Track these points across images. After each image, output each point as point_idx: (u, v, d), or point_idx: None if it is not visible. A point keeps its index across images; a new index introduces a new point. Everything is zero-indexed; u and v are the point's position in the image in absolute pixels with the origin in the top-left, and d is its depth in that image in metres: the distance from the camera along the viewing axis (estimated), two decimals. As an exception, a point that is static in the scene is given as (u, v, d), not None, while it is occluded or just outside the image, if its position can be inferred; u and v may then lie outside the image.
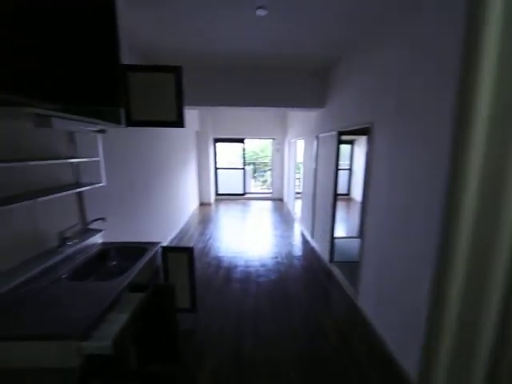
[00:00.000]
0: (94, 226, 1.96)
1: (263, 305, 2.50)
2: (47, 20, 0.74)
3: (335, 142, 3.03)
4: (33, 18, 0.70)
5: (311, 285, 2.90)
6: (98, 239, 1.91)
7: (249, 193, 7.99)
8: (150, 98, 1.80)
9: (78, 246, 1.69)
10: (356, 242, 3.95)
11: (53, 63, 0.79)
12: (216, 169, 7.53)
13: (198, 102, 3.34)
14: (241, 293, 2.69)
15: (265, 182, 10.23)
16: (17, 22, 0.66)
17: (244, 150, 7.65)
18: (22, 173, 1.39)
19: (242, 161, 7.76)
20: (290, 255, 3.69)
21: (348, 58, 2.78)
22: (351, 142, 7.58)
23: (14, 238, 1.34)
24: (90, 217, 1.93)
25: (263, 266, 3.33)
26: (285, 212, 6.29)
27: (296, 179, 6.34)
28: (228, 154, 9.64)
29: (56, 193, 1.46)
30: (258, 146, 13.32)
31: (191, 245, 3.90)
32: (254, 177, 9.65)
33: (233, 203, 7.17)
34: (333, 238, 3.23)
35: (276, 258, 3.59)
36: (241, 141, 7.46)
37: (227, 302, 2.51)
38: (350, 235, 4.49)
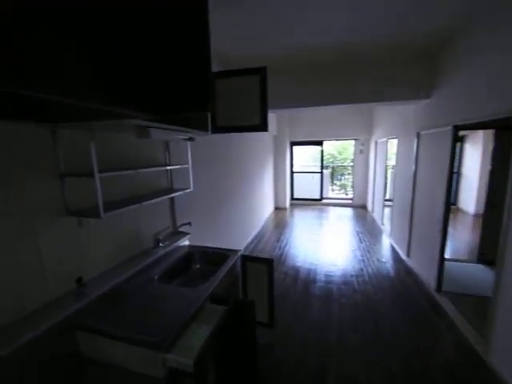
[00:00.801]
0: (181, 229, 2.08)
1: (348, 334, 2.14)
2: (144, 24, 0.69)
3: (449, 139, 2.38)
4: (131, 25, 0.66)
5: (411, 317, 2.34)
6: (185, 242, 2.02)
7: (326, 198, 7.49)
8: (234, 102, 1.77)
9: (169, 248, 1.80)
10: (477, 269, 3.06)
11: (149, 72, 0.75)
12: (292, 172, 7.38)
13: (282, 104, 3.25)
14: (321, 315, 2.40)
15: (343, 186, 9.43)
16: (117, 31, 0.63)
17: (322, 152, 7.22)
18: (130, 180, 1.54)
19: (319, 164, 7.35)
20: (378, 274, 3.14)
21: (471, 34, 2.13)
22: (461, 139, 6.10)
23: (122, 238, 1.50)
24: (178, 221, 2.06)
25: (346, 284, 2.93)
26: (369, 221, 5.55)
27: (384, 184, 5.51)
28: (304, 157, 9.35)
29: (157, 197, 1.58)
30: (336, 148, 12.47)
31: (268, 251, 3.83)
32: (332, 181, 9.01)
33: (309, 208, 6.85)
34: (442, 261, 2.55)
35: (361, 275, 3.11)
36: (318, 143, 7.07)
37: (306, 325, 2.27)
38: (461, 257, 3.52)
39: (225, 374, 1.22)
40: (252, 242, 4.26)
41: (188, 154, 1.89)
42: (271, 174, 6.43)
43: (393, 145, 4.68)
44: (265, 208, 5.67)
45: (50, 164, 1.11)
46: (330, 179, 8.36)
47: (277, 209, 6.84)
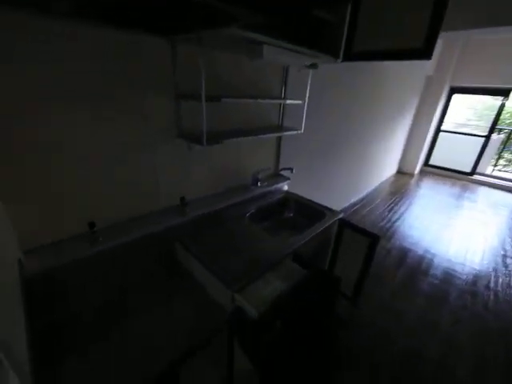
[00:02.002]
0: (282, 173, 1.96)
1: (457, 362, 1.61)
2: None
3: None
4: None
5: None
6: (284, 187, 1.90)
7: (480, 174, 5.46)
8: (386, 13, 1.21)
9: (266, 189, 1.73)
10: None
11: None
12: (439, 130, 5.59)
13: (469, 21, 2.15)
14: (422, 321, 1.90)
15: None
16: None
17: (502, 107, 4.93)
18: (239, 110, 1.45)
19: (486, 125, 5.17)
20: (537, 302, 2.16)
21: None
22: None
23: (223, 169, 1.53)
24: (281, 163, 1.92)
25: (474, 294, 2.19)
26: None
27: None
28: (464, 112, 6.80)
29: (265, 133, 1.46)
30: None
31: (372, 221, 3.30)
32: (501, 153, 6.30)
33: (448, 182, 5.25)
34: None
35: (505, 292, 2.23)
36: (502, 93, 4.77)
37: (395, 324, 1.86)
38: None
39: (292, 346, 1.17)
40: (355, 204, 3.75)
41: (307, 87, 1.57)
42: (406, 128, 5.07)
43: None
44: (383, 168, 4.73)
45: (169, 82, 1.11)
46: (497, 149, 5.86)
47: (399, 173, 5.63)
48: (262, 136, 1.53)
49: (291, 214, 1.84)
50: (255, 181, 1.68)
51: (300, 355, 1.26)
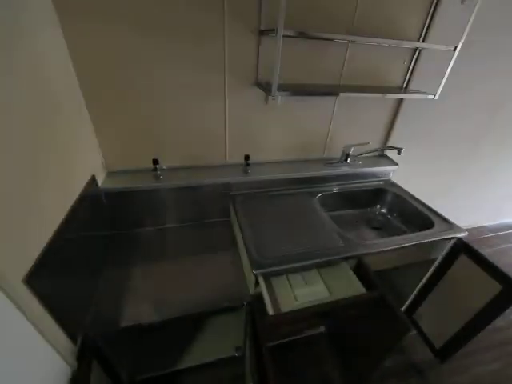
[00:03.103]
0: (388, 152, 1.46)
1: None
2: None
3: None
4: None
5: None
6: (387, 174, 1.42)
7: None
8: None
9: (357, 170, 1.34)
10: None
11: None
12: None
13: None
14: None
15: None
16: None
17: None
18: (337, 53, 1.09)
19: None
20: None
21: None
22: None
23: (305, 133, 1.26)
24: (391, 140, 1.41)
25: None
26: None
27: None
28: None
29: (375, 92, 1.09)
30: None
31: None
32: None
33: None
34: None
35: None
36: None
37: None
38: None
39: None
40: (492, 230, 2.46)
41: (467, 22, 0.97)
42: None
43: None
44: None
45: (253, 17, 0.92)
46: None
47: None
48: (367, 95, 1.13)
49: (383, 210, 1.39)
50: (344, 156, 1.32)
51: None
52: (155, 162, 1.06)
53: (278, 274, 0.88)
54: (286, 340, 1.32)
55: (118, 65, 0.88)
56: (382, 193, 1.38)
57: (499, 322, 1.49)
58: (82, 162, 0.88)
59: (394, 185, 1.40)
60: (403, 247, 0.99)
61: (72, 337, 0.69)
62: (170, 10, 0.84)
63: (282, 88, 0.92)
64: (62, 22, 0.77)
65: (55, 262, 0.65)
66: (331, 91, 1.04)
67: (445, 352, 1.19)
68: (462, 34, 0.98)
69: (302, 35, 0.87)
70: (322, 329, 1.39)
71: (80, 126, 0.89)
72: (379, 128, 1.38)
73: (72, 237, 0.74)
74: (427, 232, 1.06)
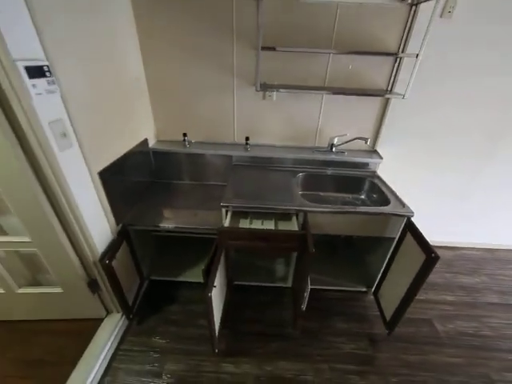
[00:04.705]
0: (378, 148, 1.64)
1: None
2: None
3: None
4: None
5: None
6: (373, 166, 1.61)
7: None
8: None
9: (342, 158, 1.58)
10: None
11: None
12: None
13: None
14: None
15: None
16: None
17: None
18: (321, 61, 1.40)
19: None
20: None
21: None
22: None
23: (297, 124, 1.59)
24: (381, 136, 1.59)
25: None
26: None
27: None
28: None
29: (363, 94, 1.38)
30: None
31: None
32: None
33: None
34: None
35: None
36: None
37: None
38: None
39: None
40: None
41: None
42: None
43: None
44: None
45: (252, 35, 1.33)
46: None
47: None
48: (351, 97, 1.40)
49: (362, 197, 1.58)
50: (330, 146, 1.59)
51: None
52: (184, 135, 1.59)
53: (244, 214, 1.26)
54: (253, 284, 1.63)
55: (170, 69, 1.43)
56: (361, 181, 1.57)
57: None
58: (143, 128, 1.47)
59: (377, 177, 1.57)
60: (347, 212, 1.24)
61: (117, 220, 1.24)
62: (201, 38, 1.33)
63: (275, 87, 1.31)
64: (140, 43, 1.36)
65: (116, 174, 1.21)
66: (313, 90, 1.37)
67: (392, 323, 1.33)
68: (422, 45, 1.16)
69: (287, 50, 1.24)
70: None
71: (143, 105, 1.48)
72: (368, 124, 1.58)
73: (129, 164, 1.32)
74: (380, 208, 1.26)
